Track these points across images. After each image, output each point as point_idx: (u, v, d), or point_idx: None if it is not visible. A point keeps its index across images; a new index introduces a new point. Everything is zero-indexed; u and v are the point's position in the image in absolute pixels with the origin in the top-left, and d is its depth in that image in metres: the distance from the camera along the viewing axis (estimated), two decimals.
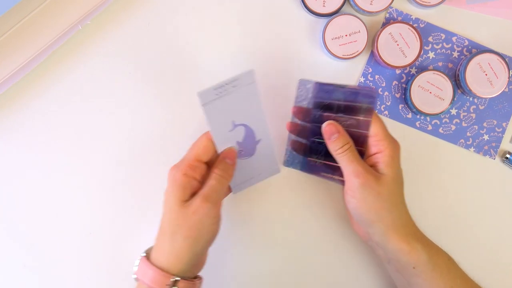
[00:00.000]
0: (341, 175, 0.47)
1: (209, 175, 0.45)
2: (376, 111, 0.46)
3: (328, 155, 0.48)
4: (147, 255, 0.46)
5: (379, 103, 0.56)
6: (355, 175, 0.44)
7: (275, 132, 0.54)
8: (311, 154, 0.49)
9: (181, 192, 0.44)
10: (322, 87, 0.46)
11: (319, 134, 0.47)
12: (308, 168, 0.50)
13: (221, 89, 0.43)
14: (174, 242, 0.43)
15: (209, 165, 0.47)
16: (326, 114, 0.47)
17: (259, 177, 0.52)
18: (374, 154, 0.46)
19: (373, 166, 0.46)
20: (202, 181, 0.46)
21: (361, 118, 0.46)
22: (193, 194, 0.45)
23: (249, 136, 0.48)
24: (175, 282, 0.43)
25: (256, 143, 0.48)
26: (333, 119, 0.47)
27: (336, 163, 0.47)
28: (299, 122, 0.50)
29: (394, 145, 0.46)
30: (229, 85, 0.44)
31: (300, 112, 0.51)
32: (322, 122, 0.47)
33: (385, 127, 0.47)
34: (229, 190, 0.51)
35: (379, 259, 0.50)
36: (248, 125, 0.47)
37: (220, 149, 0.47)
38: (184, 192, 0.44)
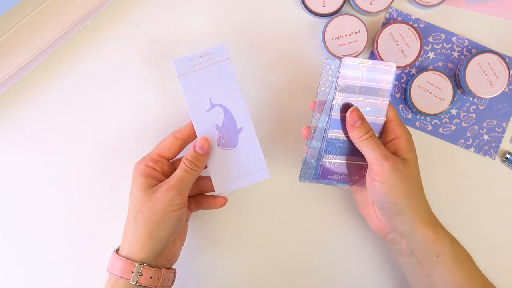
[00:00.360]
0: (357, 174, 0.47)
1: (180, 164, 0.46)
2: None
3: (344, 152, 0.47)
4: (117, 249, 0.47)
5: (395, 83, 0.56)
6: (384, 159, 0.44)
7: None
8: (327, 154, 0.48)
9: (144, 179, 0.45)
10: (347, 65, 0.45)
11: (337, 127, 0.47)
12: (323, 173, 0.49)
13: (195, 61, 0.45)
14: (136, 228, 0.44)
15: (175, 164, 0.49)
16: (347, 98, 0.46)
17: (246, 179, 0.48)
18: (392, 140, 0.46)
19: (396, 152, 0.46)
20: (165, 175, 0.47)
21: (379, 101, 0.46)
22: (158, 183, 0.46)
23: (229, 122, 0.47)
24: (140, 269, 0.44)
25: (238, 131, 0.47)
26: (354, 104, 0.47)
27: (354, 160, 0.47)
28: (316, 121, 0.49)
29: (408, 131, 0.47)
30: (203, 58, 0.46)
31: (320, 105, 0.49)
32: (342, 111, 0.46)
33: (397, 113, 0.47)
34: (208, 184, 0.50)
35: (395, 254, 0.49)
36: (226, 107, 0.47)
37: (197, 128, 0.47)
38: (146, 179, 0.45)
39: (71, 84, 0.56)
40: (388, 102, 0.46)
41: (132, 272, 0.44)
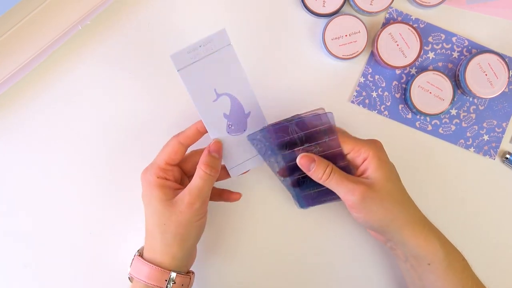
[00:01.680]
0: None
1: (196, 170, 0.45)
2: (334, 124, 0.45)
3: (317, 183, 0.47)
4: (140, 254, 0.46)
5: (335, 118, 0.52)
6: (351, 194, 0.44)
7: None
8: (303, 190, 0.48)
9: (159, 192, 0.45)
10: (275, 129, 0.44)
11: (298, 169, 0.46)
12: (308, 202, 0.49)
13: (194, 52, 0.42)
14: (164, 240, 0.44)
15: (181, 166, 0.49)
16: (295, 149, 0.45)
17: (258, 159, 0.49)
18: (362, 163, 0.46)
19: (364, 173, 0.46)
20: (177, 181, 0.47)
21: (327, 140, 0.45)
22: (174, 192, 0.46)
23: (236, 108, 0.46)
24: (175, 277, 0.44)
25: (246, 116, 0.46)
26: (303, 151, 0.46)
27: None
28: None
29: (374, 144, 0.46)
30: (203, 47, 0.42)
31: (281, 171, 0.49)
32: (294, 159, 0.46)
33: (352, 136, 0.47)
34: (225, 174, 0.49)
35: (396, 258, 0.50)
36: (233, 94, 0.45)
37: (205, 121, 0.45)
38: (163, 191, 0.45)
39: (71, 84, 0.56)
40: (336, 137, 0.45)
41: (166, 280, 0.44)
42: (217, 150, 0.45)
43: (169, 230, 0.44)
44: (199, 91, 0.44)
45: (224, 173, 0.49)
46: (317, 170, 0.45)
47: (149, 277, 0.44)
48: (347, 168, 0.46)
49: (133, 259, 0.47)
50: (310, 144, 0.45)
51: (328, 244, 0.56)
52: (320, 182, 0.45)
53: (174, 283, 0.44)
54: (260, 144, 0.46)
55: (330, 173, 0.45)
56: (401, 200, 0.46)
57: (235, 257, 0.56)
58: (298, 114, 0.45)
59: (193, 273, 0.48)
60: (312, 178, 0.46)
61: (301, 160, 0.45)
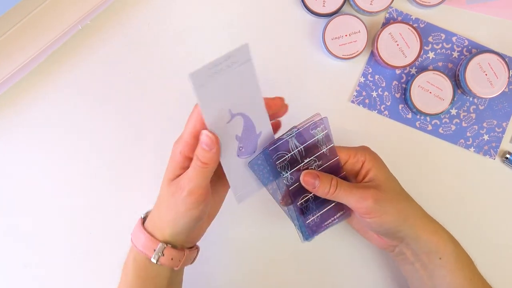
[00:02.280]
0: (341, 209, 0.47)
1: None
2: (329, 130, 0.45)
3: (319, 205, 0.47)
4: (144, 218, 0.46)
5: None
6: (363, 200, 0.43)
7: None
8: (307, 217, 0.47)
9: (171, 170, 0.43)
10: (273, 149, 0.43)
11: (300, 193, 0.45)
12: (311, 231, 0.48)
13: (215, 68, 0.38)
14: (159, 214, 0.44)
15: None
16: (294, 170, 0.45)
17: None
18: (362, 166, 0.46)
19: (366, 176, 0.46)
20: None
21: (325, 150, 0.45)
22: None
23: (248, 129, 0.42)
24: (163, 249, 0.43)
25: (257, 136, 0.43)
26: (304, 169, 0.45)
27: (331, 203, 0.47)
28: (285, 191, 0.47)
29: (366, 148, 0.47)
30: (224, 63, 0.38)
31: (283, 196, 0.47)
32: (296, 180, 0.45)
33: (342, 146, 0.47)
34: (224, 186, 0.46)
35: (400, 264, 0.50)
36: (246, 114, 0.41)
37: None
38: (173, 171, 0.43)
39: (71, 84, 0.56)
40: (333, 145, 0.45)
41: (155, 250, 0.43)
42: (209, 144, 0.39)
43: (162, 208, 0.44)
44: (214, 112, 0.39)
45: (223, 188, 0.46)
46: (323, 185, 0.44)
47: (143, 245, 0.43)
48: (346, 179, 0.46)
49: (137, 221, 0.46)
50: (309, 159, 0.45)
51: (325, 253, 0.56)
52: (328, 196, 0.44)
53: (163, 255, 0.43)
54: (261, 170, 0.45)
55: (337, 185, 0.44)
56: (406, 197, 0.47)
57: (235, 257, 0.56)
58: (295, 126, 0.44)
59: (192, 248, 0.47)
60: (318, 194, 0.45)
61: (305, 178, 0.44)
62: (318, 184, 0.44)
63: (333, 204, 0.47)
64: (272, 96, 0.43)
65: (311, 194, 0.46)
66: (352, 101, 0.57)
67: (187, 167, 0.42)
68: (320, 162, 0.45)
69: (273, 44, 0.57)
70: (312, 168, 0.45)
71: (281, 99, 0.44)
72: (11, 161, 0.56)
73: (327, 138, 0.45)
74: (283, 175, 0.44)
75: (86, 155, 0.56)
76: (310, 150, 0.45)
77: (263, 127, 0.43)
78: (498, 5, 0.58)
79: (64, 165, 0.56)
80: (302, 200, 0.46)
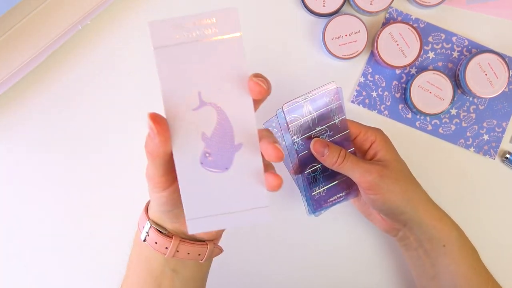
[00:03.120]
0: (348, 188, 0.48)
1: None
2: (342, 101, 0.45)
3: (326, 179, 0.47)
4: None
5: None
6: (368, 174, 0.44)
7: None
8: (313, 189, 0.47)
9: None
10: (288, 110, 0.43)
11: (309, 163, 0.46)
12: (317, 205, 0.48)
13: (185, 29, 0.29)
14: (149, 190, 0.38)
15: None
16: (305, 136, 0.45)
17: (234, 218, 0.32)
18: (370, 146, 0.47)
19: (374, 157, 0.46)
20: None
21: (337, 120, 0.45)
22: None
23: (223, 131, 0.31)
24: (148, 228, 0.39)
25: (234, 148, 0.31)
26: (315, 137, 0.45)
27: (338, 179, 0.47)
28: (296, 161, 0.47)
29: (378, 130, 0.47)
30: (199, 26, 0.29)
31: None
32: (307, 148, 0.46)
33: (355, 121, 0.47)
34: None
35: (403, 249, 0.49)
36: (223, 109, 0.31)
37: (173, 133, 0.31)
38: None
39: (71, 84, 0.56)
40: (345, 117, 0.46)
41: (143, 227, 0.39)
42: (151, 131, 0.31)
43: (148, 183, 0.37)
44: (176, 87, 0.30)
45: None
46: (331, 154, 0.44)
47: (140, 216, 0.41)
48: (354, 154, 0.46)
49: None
50: (321, 128, 0.45)
51: (329, 243, 0.56)
52: (335, 167, 0.45)
53: (148, 235, 0.39)
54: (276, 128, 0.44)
55: (345, 156, 0.44)
56: (413, 180, 0.47)
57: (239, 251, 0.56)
58: (310, 92, 0.44)
59: (203, 243, 0.40)
60: (326, 163, 0.45)
61: (315, 145, 0.45)
62: (327, 153, 0.44)
63: (340, 180, 0.48)
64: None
65: (319, 165, 0.46)
66: (352, 101, 0.57)
67: None
68: (331, 133, 0.46)
69: (273, 44, 0.57)
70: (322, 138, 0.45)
71: (254, 82, 0.30)
72: (11, 161, 0.56)
73: (340, 109, 0.45)
74: (294, 140, 0.44)
75: (86, 154, 0.56)
76: (322, 118, 0.45)
77: (246, 139, 0.31)
78: (498, 5, 0.58)
79: (63, 164, 0.56)
80: (310, 170, 0.46)
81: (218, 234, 0.42)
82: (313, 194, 0.48)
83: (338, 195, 0.48)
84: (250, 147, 0.31)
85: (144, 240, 0.39)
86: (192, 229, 0.32)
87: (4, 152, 0.56)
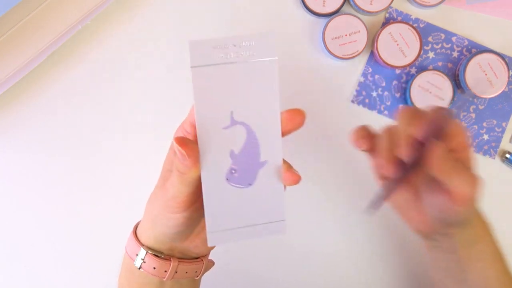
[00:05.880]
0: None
1: None
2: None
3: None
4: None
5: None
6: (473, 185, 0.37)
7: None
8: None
9: (168, 159, 0.38)
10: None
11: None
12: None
13: (223, 50, 0.30)
14: (146, 211, 0.39)
15: None
16: None
17: (252, 231, 0.34)
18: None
19: None
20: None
21: None
22: None
23: (250, 149, 0.32)
24: (144, 255, 0.38)
25: (259, 165, 0.33)
26: None
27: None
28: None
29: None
30: (237, 48, 0.30)
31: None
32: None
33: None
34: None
35: (429, 249, 0.45)
36: (253, 129, 0.32)
37: (203, 150, 0.32)
38: (170, 160, 0.38)
39: (71, 84, 0.56)
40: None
41: (137, 255, 0.38)
42: (180, 157, 0.32)
43: (152, 204, 0.38)
44: (209, 106, 0.31)
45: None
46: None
47: (128, 245, 0.39)
48: None
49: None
50: None
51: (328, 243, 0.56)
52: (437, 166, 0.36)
53: (144, 262, 0.37)
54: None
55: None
56: None
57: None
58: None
59: (190, 260, 0.39)
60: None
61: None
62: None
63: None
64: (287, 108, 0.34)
65: None
66: (352, 101, 0.57)
67: None
68: None
69: None
70: None
71: (300, 114, 0.33)
72: (11, 161, 0.56)
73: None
74: None
75: (86, 155, 0.56)
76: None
77: (271, 157, 0.33)
78: (498, 5, 0.58)
79: (63, 164, 0.56)
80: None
81: (210, 248, 0.42)
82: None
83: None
84: (273, 164, 0.33)
85: (140, 268, 0.38)
86: (212, 242, 0.33)
87: (4, 152, 0.56)
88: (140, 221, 0.41)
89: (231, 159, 0.32)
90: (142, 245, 0.38)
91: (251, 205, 0.33)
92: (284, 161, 0.33)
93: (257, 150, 0.32)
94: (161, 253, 0.38)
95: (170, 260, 0.38)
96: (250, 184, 0.33)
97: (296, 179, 0.33)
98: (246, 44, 0.30)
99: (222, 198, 0.33)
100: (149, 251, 0.37)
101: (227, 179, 0.32)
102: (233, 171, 0.32)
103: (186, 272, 0.39)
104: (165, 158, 0.39)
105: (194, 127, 0.33)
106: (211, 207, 0.33)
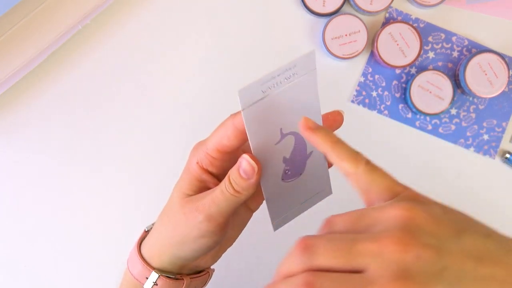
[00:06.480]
0: None
1: (223, 180, 0.35)
2: None
3: None
4: (142, 237, 0.40)
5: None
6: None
7: None
8: None
9: (187, 183, 0.37)
10: None
11: None
12: None
13: (270, 82, 0.31)
14: (161, 233, 0.38)
15: (238, 154, 0.35)
16: None
17: (307, 204, 0.38)
18: None
19: None
20: (221, 176, 0.36)
21: None
22: (203, 189, 0.37)
23: (299, 149, 0.35)
24: (156, 278, 0.37)
25: (307, 157, 0.36)
26: None
27: None
28: None
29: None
30: (282, 75, 0.31)
31: None
32: None
33: None
34: (247, 211, 0.40)
35: None
36: (298, 133, 0.34)
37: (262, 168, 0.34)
38: (189, 185, 0.36)
39: (71, 84, 0.56)
40: None
41: (147, 278, 0.37)
42: (249, 172, 0.33)
43: (167, 226, 0.37)
44: (262, 133, 0.32)
45: (258, 197, 0.38)
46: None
47: (133, 267, 0.38)
48: None
49: (136, 242, 0.41)
50: None
51: None
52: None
53: (156, 284, 0.37)
54: None
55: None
56: None
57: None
58: None
59: (197, 275, 0.39)
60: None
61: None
62: None
63: None
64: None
65: None
66: (352, 101, 0.57)
67: (205, 180, 0.36)
68: None
69: (273, 44, 0.57)
70: None
71: (340, 114, 0.37)
72: (11, 161, 0.56)
73: None
74: None
75: (86, 155, 0.56)
76: None
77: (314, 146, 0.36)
78: (498, 5, 0.58)
79: (64, 165, 0.56)
80: None
81: (217, 256, 0.41)
82: None
83: None
84: (317, 151, 0.35)
85: None
86: (276, 228, 0.37)
87: (4, 152, 0.56)
88: (143, 238, 0.40)
89: (284, 164, 0.35)
90: (154, 268, 0.37)
91: (302, 187, 0.37)
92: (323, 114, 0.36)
93: (304, 147, 0.35)
94: (172, 273, 0.38)
95: (183, 279, 0.38)
96: (301, 174, 0.36)
97: (339, 117, 0.36)
98: (290, 69, 0.31)
99: (279, 193, 0.36)
100: (161, 274, 0.37)
101: (282, 179, 0.35)
102: (287, 171, 0.35)
103: (195, 286, 0.40)
104: (180, 177, 0.38)
105: (220, 152, 0.34)
106: (272, 202, 0.36)
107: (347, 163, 0.29)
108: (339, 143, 0.30)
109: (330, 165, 0.37)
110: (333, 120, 0.36)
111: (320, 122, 0.35)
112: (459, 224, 0.28)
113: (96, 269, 0.55)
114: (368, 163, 0.30)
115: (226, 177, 0.34)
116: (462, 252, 0.25)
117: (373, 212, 0.27)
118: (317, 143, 0.31)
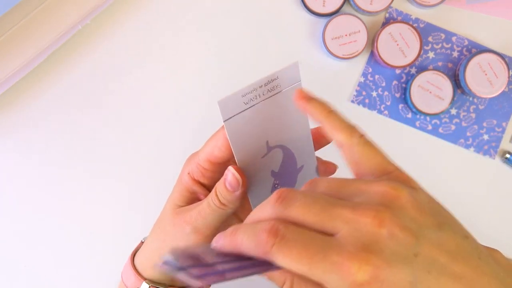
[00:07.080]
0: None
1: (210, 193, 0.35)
2: None
3: None
4: (137, 248, 0.41)
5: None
6: None
7: None
8: None
9: (178, 194, 0.37)
10: None
11: None
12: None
13: (252, 94, 0.30)
14: (152, 244, 0.39)
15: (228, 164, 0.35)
16: None
17: None
18: None
19: None
20: (213, 185, 0.36)
21: None
22: (194, 200, 0.37)
23: (288, 162, 0.34)
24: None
25: (297, 171, 0.35)
26: None
27: None
28: None
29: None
30: (265, 87, 0.30)
31: None
32: None
33: None
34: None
35: None
36: (287, 146, 0.34)
37: (248, 184, 0.34)
38: (181, 196, 0.37)
39: (71, 84, 0.56)
40: None
41: None
42: (234, 185, 0.32)
43: (157, 237, 0.38)
44: (247, 145, 0.32)
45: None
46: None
47: (128, 278, 0.39)
48: None
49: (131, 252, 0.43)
50: None
51: None
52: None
53: None
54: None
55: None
56: None
57: None
58: None
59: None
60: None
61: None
62: None
63: None
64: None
65: None
66: (352, 101, 0.57)
67: (196, 192, 0.36)
68: None
69: (273, 44, 0.57)
70: None
71: (334, 166, 0.38)
72: (11, 161, 0.56)
73: None
74: None
75: (86, 155, 0.56)
76: None
77: (305, 160, 0.35)
78: (498, 5, 0.58)
79: (64, 165, 0.56)
80: None
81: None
82: None
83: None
84: (309, 165, 0.35)
85: None
86: None
87: (4, 152, 0.56)
88: (138, 249, 0.40)
89: (273, 177, 0.34)
90: (145, 279, 0.38)
91: None
92: (318, 158, 0.35)
93: (294, 161, 0.34)
94: (164, 284, 0.38)
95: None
96: (292, 187, 0.34)
97: (332, 169, 0.36)
98: (272, 82, 0.31)
99: None
100: (151, 285, 0.37)
101: (271, 192, 0.33)
102: (276, 185, 0.35)
103: None
104: (173, 188, 0.38)
105: (212, 163, 0.34)
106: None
107: (341, 134, 0.29)
108: (334, 113, 0.30)
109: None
110: (325, 138, 0.35)
111: (309, 136, 0.34)
112: (441, 218, 0.28)
113: (96, 269, 0.55)
114: (363, 136, 0.29)
115: (213, 189, 0.34)
116: (439, 244, 0.24)
117: (359, 184, 0.27)
118: (311, 112, 0.30)
